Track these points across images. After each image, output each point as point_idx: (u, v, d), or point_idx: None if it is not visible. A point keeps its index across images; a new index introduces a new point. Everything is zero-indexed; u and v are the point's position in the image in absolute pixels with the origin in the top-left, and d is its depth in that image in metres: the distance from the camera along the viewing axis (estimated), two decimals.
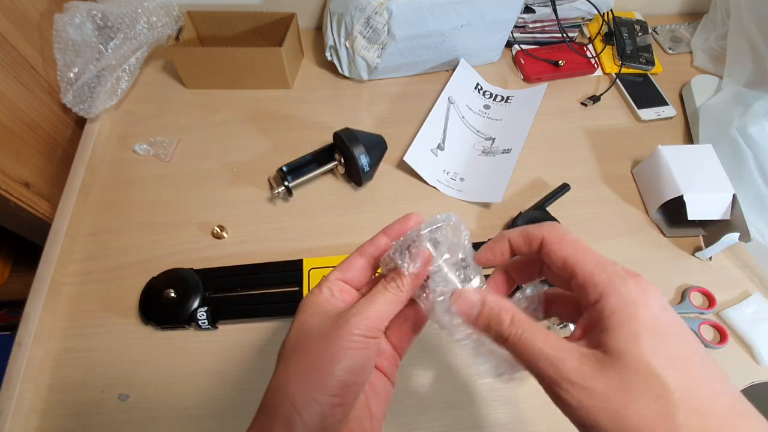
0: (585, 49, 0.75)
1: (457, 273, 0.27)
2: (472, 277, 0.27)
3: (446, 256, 0.27)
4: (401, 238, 0.27)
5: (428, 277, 0.27)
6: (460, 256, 0.27)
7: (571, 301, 0.26)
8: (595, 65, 0.73)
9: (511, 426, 0.44)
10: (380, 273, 0.28)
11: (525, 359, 0.22)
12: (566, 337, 0.23)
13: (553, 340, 0.22)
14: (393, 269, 0.27)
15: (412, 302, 0.28)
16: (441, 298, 0.26)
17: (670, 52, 0.76)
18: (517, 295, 0.27)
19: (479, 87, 0.70)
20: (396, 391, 0.45)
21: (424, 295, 0.27)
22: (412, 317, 0.29)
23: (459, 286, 0.26)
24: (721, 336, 0.48)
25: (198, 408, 0.44)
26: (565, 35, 0.72)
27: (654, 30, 0.78)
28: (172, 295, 0.46)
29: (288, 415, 0.23)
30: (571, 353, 0.21)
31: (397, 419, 0.44)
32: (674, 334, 0.21)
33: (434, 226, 0.26)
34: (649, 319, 0.20)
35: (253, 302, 0.49)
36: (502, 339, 0.23)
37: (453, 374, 0.46)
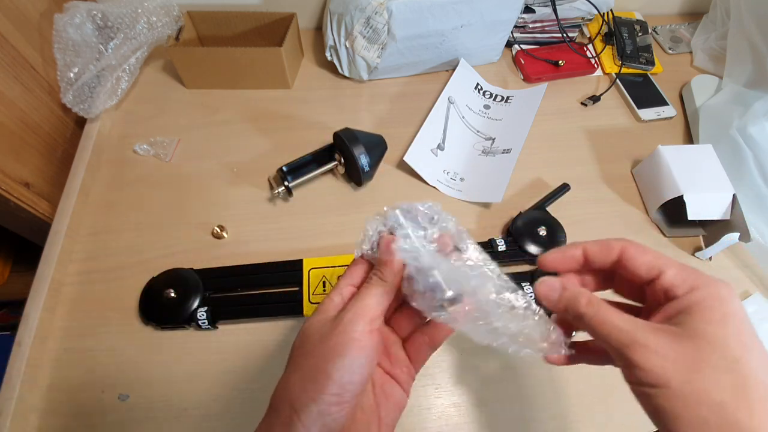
0: (585, 49, 0.75)
1: (428, 247, 0.28)
2: (464, 248, 0.28)
3: (418, 235, 0.28)
4: (361, 233, 0.29)
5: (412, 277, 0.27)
6: (430, 232, 0.28)
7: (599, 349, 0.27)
8: (595, 65, 0.73)
9: (513, 426, 0.44)
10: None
11: (600, 333, 0.24)
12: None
13: (626, 317, 0.23)
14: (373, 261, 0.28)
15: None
16: (426, 284, 0.26)
17: (670, 52, 0.76)
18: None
19: (479, 87, 0.70)
20: None
21: (407, 284, 0.27)
22: (429, 331, 0.30)
23: (428, 260, 0.27)
24: None
25: (198, 408, 0.44)
26: (565, 35, 0.72)
27: (654, 30, 0.78)
28: (172, 295, 0.46)
29: (287, 415, 0.23)
30: (645, 325, 0.23)
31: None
32: (752, 331, 0.22)
33: (392, 213, 0.28)
34: (733, 311, 0.22)
35: (253, 302, 0.49)
36: (578, 317, 0.25)
37: (453, 375, 0.46)
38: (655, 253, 0.25)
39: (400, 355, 0.30)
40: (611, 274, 0.28)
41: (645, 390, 0.22)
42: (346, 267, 0.49)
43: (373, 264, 0.29)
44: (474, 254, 0.28)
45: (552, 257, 0.28)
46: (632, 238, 0.57)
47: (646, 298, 0.26)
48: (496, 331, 0.26)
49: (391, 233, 0.28)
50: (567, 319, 0.26)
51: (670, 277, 0.24)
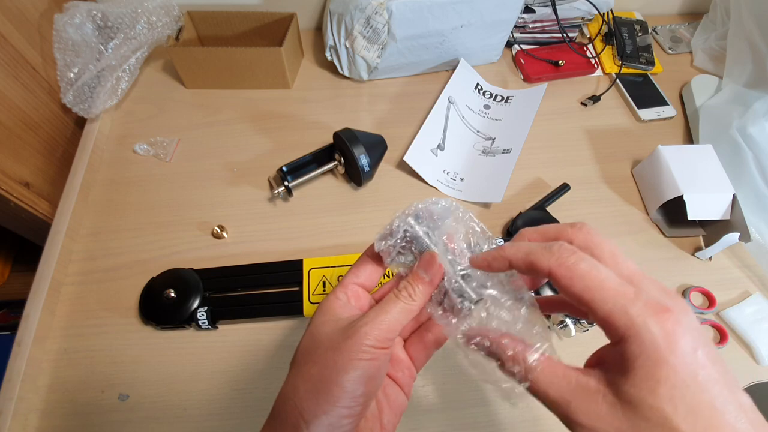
0: (585, 49, 0.75)
1: (473, 284, 0.26)
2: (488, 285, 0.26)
3: (461, 262, 0.26)
4: (387, 226, 0.27)
5: (444, 290, 0.26)
6: (471, 247, 0.27)
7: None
8: (595, 65, 0.73)
9: (513, 426, 0.44)
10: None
11: (538, 398, 0.22)
12: (583, 366, 0.22)
13: (561, 380, 0.21)
14: (402, 273, 0.27)
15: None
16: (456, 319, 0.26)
17: (670, 52, 0.76)
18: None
19: (479, 87, 0.70)
20: None
21: (440, 312, 0.26)
22: (433, 331, 0.29)
23: (473, 301, 0.25)
24: (721, 336, 0.48)
25: (198, 408, 0.44)
26: (565, 35, 0.72)
27: (654, 30, 0.78)
28: (172, 295, 0.46)
29: (296, 425, 0.23)
30: (580, 393, 0.20)
31: None
32: (700, 381, 0.19)
33: (417, 213, 0.27)
34: (671, 366, 0.19)
35: (253, 302, 0.49)
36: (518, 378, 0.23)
37: (453, 374, 0.46)
38: (585, 280, 0.21)
39: (402, 357, 0.29)
40: None
41: None
42: (346, 267, 0.49)
43: (380, 260, 0.28)
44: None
45: (477, 264, 0.25)
46: (632, 238, 0.57)
47: None
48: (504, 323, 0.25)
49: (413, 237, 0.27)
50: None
51: (600, 317, 0.20)
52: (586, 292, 0.20)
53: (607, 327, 0.20)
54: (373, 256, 0.28)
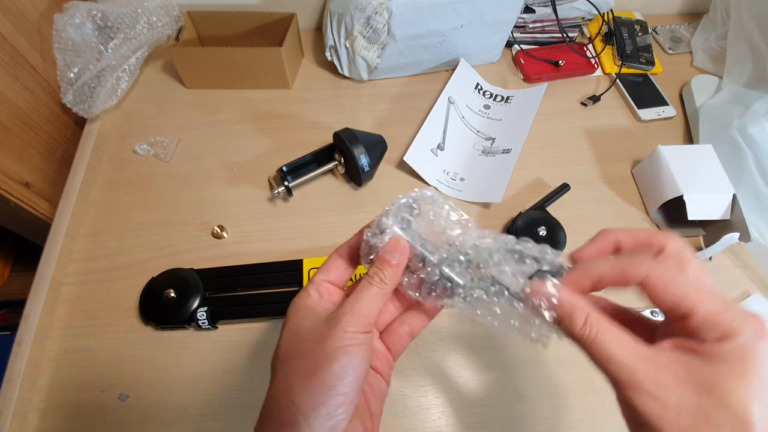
0: (585, 49, 0.75)
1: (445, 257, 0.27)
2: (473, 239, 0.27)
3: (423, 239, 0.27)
4: (373, 224, 0.28)
5: (419, 265, 0.27)
6: (442, 229, 0.28)
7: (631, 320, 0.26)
8: (595, 65, 0.73)
9: (512, 426, 0.44)
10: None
11: (597, 361, 0.22)
12: (648, 342, 0.22)
13: (628, 345, 0.21)
14: (371, 261, 0.28)
15: (408, 306, 0.30)
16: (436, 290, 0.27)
17: (670, 52, 0.76)
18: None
19: (479, 87, 0.70)
20: (393, 391, 0.45)
21: (408, 280, 0.28)
22: (409, 323, 0.30)
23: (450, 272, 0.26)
24: None
25: (198, 408, 0.44)
26: (565, 35, 0.72)
27: (654, 30, 0.78)
28: (172, 295, 0.46)
29: (293, 421, 0.23)
30: (647, 361, 0.21)
31: (397, 419, 0.44)
32: None
33: (397, 206, 0.28)
34: (760, 365, 0.20)
35: (253, 302, 0.49)
36: (573, 338, 0.23)
37: (454, 375, 0.46)
38: (684, 285, 0.22)
39: (380, 347, 0.30)
40: None
41: (637, 428, 0.21)
42: None
43: (351, 262, 0.30)
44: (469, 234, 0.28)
45: (568, 283, 0.25)
46: None
47: (666, 319, 0.24)
48: (492, 313, 0.26)
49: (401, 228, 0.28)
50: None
51: (700, 320, 0.21)
52: (684, 297, 0.21)
53: (706, 328, 0.21)
54: (344, 255, 0.30)
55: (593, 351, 0.22)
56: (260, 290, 0.49)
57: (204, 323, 0.46)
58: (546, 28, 0.74)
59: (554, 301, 0.24)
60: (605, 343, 0.22)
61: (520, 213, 0.55)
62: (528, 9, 0.71)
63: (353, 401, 0.24)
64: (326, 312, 0.26)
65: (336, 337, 0.24)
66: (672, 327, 0.23)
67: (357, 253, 0.29)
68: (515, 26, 0.72)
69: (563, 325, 0.23)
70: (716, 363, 0.20)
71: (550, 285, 0.24)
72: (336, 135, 0.55)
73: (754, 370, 0.20)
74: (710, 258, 0.54)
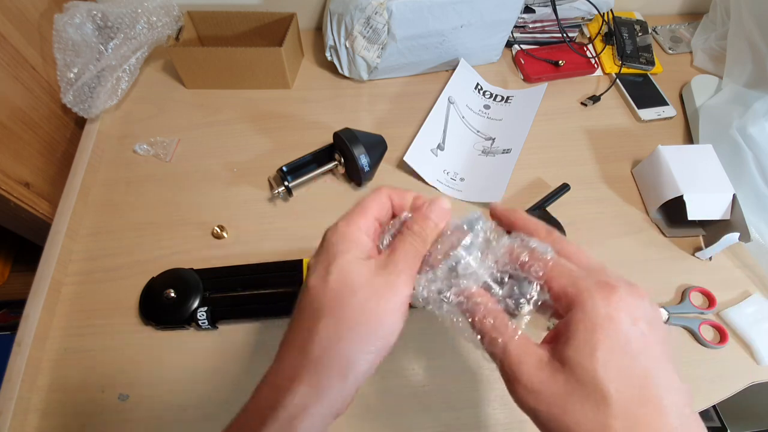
0: (585, 49, 0.75)
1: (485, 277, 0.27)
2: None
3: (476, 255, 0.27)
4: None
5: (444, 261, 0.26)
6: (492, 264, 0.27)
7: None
8: (595, 65, 0.73)
9: (512, 426, 0.44)
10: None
11: (493, 356, 0.24)
12: (542, 342, 0.24)
13: (520, 344, 0.23)
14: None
15: None
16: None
17: (670, 52, 0.76)
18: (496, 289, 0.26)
19: (479, 87, 0.70)
20: (396, 391, 0.45)
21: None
22: None
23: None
24: (721, 336, 0.48)
25: (198, 408, 0.44)
26: (565, 35, 0.72)
27: (654, 30, 0.78)
28: (172, 295, 0.46)
29: (343, 371, 0.23)
30: (531, 358, 0.22)
31: (397, 419, 0.44)
32: (637, 350, 0.21)
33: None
34: (609, 334, 0.21)
35: (253, 302, 0.49)
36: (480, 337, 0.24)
37: (454, 375, 0.46)
38: (557, 260, 0.24)
39: None
40: None
41: (534, 421, 0.23)
42: None
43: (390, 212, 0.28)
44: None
45: (500, 210, 0.28)
46: (632, 238, 0.58)
47: None
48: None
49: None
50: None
51: (554, 290, 0.23)
52: (548, 271, 0.24)
53: (560, 299, 0.23)
54: (392, 199, 0.28)
55: (490, 345, 0.24)
56: (260, 290, 0.49)
57: (204, 323, 0.46)
58: (546, 28, 0.74)
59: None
60: (511, 354, 0.23)
61: None
62: (528, 9, 0.71)
63: (388, 351, 0.25)
64: (375, 262, 0.25)
65: (394, 297, 0.24)
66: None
67: (400, 205, 0.29)
68: (515, 26, 0.72)
69: (479, 328, 0.24)
70: (572, 339, 0.21)
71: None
72: (336, 135, 0.55)
73: (604, 339, 0.21)
74: (710, 258, 0.54)
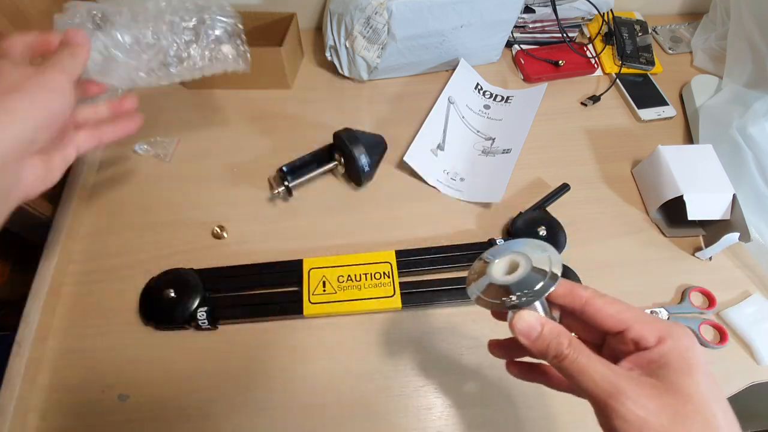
0: (585, 49, 0.75)
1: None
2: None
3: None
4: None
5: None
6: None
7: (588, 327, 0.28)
8: (595, 65, 0.73)
9: (511, 426, 0.44)
10: None
11: (579, 378, 0.24)
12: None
13: (607, 363, 0.24)
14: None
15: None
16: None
17: (670, 52, 0.76)
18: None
19: (479, 87, 0.70)
20: (393, 391, 0.45)
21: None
22: (78, 141, 0.39)
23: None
24: (721, 336, 0.48)
25: (198, 408, 0.44)
26: (565, 35, 0.72)
27: (654, 30, 0.78)
28: (172, 295, 0.46)
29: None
30: (626, 375, 0.24)
31: (397, 419, 0.44)
32: (713, 378, 0.23)
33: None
34: (698, 361, 0.23)
35: (253, 302, 0.49)
36: (560, 358, 0.25)
37: (453, 375, 0.46)
38: (620, 304, 0.26)
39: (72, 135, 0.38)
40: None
41: None
42: (346, 267, 0.49)
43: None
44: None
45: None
46: (632, 238, 0.58)
47: (607, 342, 0.28)
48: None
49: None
50: (542, 359, 0.27)
51: (638, 329, 0.25)
52: (622, 312, 0.26)
53: (645, 334, 0.25)
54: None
55: (576, 369, 0.24)
56: (260, 290, 0.50)
57: (204, 323, 0.46)
58: (546, 28, 0.74)
59: (535, 330, 0.26)
60: (589, 361, 0.24)
61: (520, 213, 0.55)
62: (528, 9, 0.71)
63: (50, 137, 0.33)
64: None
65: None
66: (612, 347, 0.27)
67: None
68: (515, 26, 0.72)
69: (551, 347, 0.26)
70: (670, 364, 0.23)
71: (533, 314, 0.27)
72: (336, 135, 0.55)
73: (697, 364, 0.23)
74: (710, 258, 0.54)
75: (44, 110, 0.31)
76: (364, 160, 0.53)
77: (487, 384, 0.46)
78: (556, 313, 0.30)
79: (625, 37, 0.74)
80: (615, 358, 0.25)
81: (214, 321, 0.46)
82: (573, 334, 0.26)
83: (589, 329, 0.28)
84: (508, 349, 0.32)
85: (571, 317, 0.29)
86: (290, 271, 0.50)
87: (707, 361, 0.24)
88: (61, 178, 0.55)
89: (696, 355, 0.24)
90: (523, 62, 0.72)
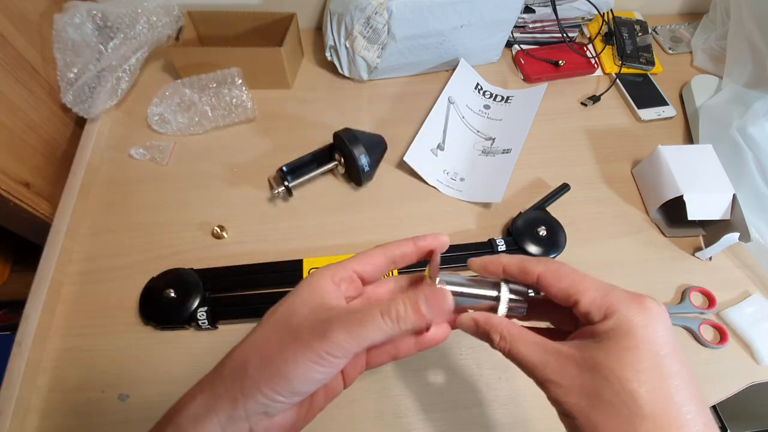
0: (585, 49, 0.75)
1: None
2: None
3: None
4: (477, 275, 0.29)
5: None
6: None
7: (559, 308, 0.27)
8: (595, 65, 0.73)
9: (511, 426, 0.44)
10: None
11: (519, 367, 0.25)
12: (554, 338, 0.25)
13: (537, 347, 0.24)
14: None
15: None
16: None
17: (670, 52, 0.76)
18: (502, 295, 0.28)
19: (479, 87, 0.70)
20: (397, 391, 0.45)
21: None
22: (399, 346, 0.28)
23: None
24: (721, 336, 0.48)
25: None
26: (565, 35, 0.72)
27: (654, 30, 0.78)
28: (172, 295, 0.46)
29: (234, 396, 0.23)
30: (552, 357, 0.24)
31: (396, 420, 0.44)
32: (664, 355, 0.22)
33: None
34: (640, 339, 0.22)
35: (253, 302, 0.49)
36: (497, 350, 0.26)
37: (453, 375, 0.46)
38: (573, 277, 0.25)
39: (360, 356, 0.28)
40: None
41: (562, 418, 0.24)
42: None
43: (389, 265, 0.28)
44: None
45: (476, 263, 0.29)
46: (632, 238, 0.57)
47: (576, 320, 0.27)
48: None
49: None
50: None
51: (586, 304, 0.24)
52: (572, 285, 0.25)
53: (592, 311, 0.24)
54: (387, 256, 0.28)
55: (513, 359, 0.25)
56: (260, 290, 0.49)
57: (204, 323, 0.46)
58: (546, 28, 0.74)
59: (471, 328, 0.27)
60: (518, 350, 0.25)
61: (520, 213, 0.55)
62: (528, 9, 0.71)
63: (296, 402, 0.24)
64: (331, 306, 0.25)
65: (309, 349, 0.22)
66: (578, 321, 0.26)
67: (401, 259, 0.28)
68: (515, 26, 0.72)
69: (486, 341, 0.26)
70: (602, 341, 0.23)
71: (467, 315, 0.28)
72: (336, 135, 0.55)
73: (638, 344, 0.22)
74: (710, 258, 0.54)
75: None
76: (364, 160, 0.53)
77: (487, 384, 0.46)
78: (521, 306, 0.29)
79: (625, 37, 0.74)
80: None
81: (214, 321, 0.46)
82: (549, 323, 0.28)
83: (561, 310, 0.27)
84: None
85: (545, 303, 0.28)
86: (290, 271, 0.50)
87: (676, 346, 0.22)
88: (61, 178, 0.56)
89: (639, 333, 0.22)
90: (523, 62, 0.72)
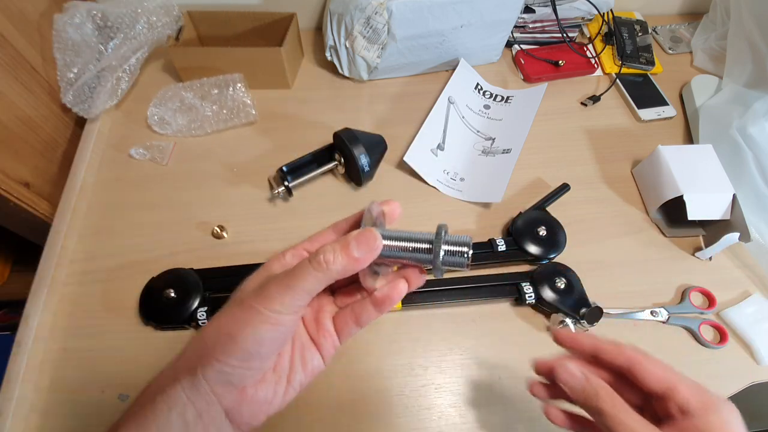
0: (585, 49, 0.75)
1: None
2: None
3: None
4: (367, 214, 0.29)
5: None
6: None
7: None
8: (595, 65, 0.73)
9: (511, 426, 0.44)
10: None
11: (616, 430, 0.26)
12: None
13: (645, 422, 0.26)
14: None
15: (363, 296, 0.30)
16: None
17: (670, 52, 0.76)
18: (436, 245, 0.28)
19: (479, 87, 0.70)
20: (393, 391, 0.45)
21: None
22: (357, 310, 0.29)
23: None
24: (721, 336, 0.48)
25: None
26: (565, 35, 0.72)
27: (654, 30, 0.78)
28: (172, 295, 0.46)
29: (193, 366, 0.24)
30: None
31: (397, 419, 0.44)
32: None
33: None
34: None
35: None
36: (597, 411, 0.27)
37: (454, 375, 0.46)
38: (667, 367, 0.27)
39: (328, 325, 0.29)
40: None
41: None
42: None
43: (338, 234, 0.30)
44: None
45: (565, 335, 0.31)
46: (632, 238, 0.58)
47: (649, 405, 0.28)
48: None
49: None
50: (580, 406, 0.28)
51: (684, 393, 0.26)
52: (667, 375, 0.27)
53: (690, 401, 0.26)
54: (338, 231, 0.31)
55: (614, 425, 0.26)
56: None
57: (204, 323, 0.46)
58: (546, 28, 0.74)
59: (579, 381, 0.28)
60: (626, 418, 0.26)
61: (520, 213, 0.55)
62: (528, 9, 0.71)
63: (257, 368, 0.25)
64: (274, 274, 0.27)
65: (252, 309, 0.24)
66: (653, 410, 0.28)
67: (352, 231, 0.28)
68: (515, 26, 0.72)
69: (589, 400, 0.27)
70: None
71: (576, 365, 0.29)
72: (336, 135, 0.55)
73: None
74: (710, 258, 0.54)
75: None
76: (364, 160, 0.53)
77: (487, 384, 0.46)
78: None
79: (625, 37, 0.74)
80: (657, 421, 0.26)
81: None
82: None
83: (630, 391, 0.29)
84: (550, 390, 0.33)
85: (614, 377, 0.30)
86: None
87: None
88: (61, 178, 0.56)
89: (737, 430, 0.25)
90: (523, 62, 0.72)
